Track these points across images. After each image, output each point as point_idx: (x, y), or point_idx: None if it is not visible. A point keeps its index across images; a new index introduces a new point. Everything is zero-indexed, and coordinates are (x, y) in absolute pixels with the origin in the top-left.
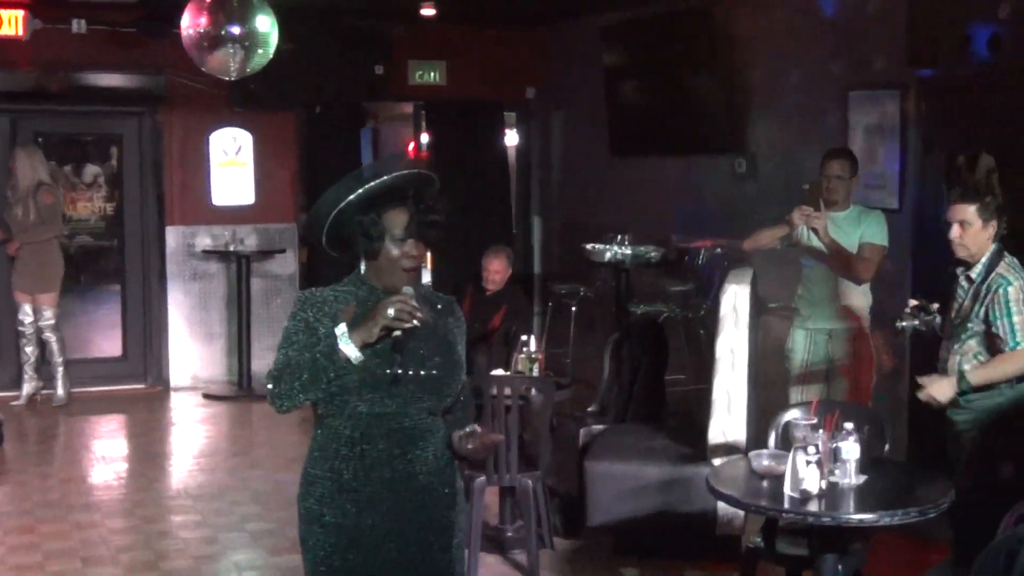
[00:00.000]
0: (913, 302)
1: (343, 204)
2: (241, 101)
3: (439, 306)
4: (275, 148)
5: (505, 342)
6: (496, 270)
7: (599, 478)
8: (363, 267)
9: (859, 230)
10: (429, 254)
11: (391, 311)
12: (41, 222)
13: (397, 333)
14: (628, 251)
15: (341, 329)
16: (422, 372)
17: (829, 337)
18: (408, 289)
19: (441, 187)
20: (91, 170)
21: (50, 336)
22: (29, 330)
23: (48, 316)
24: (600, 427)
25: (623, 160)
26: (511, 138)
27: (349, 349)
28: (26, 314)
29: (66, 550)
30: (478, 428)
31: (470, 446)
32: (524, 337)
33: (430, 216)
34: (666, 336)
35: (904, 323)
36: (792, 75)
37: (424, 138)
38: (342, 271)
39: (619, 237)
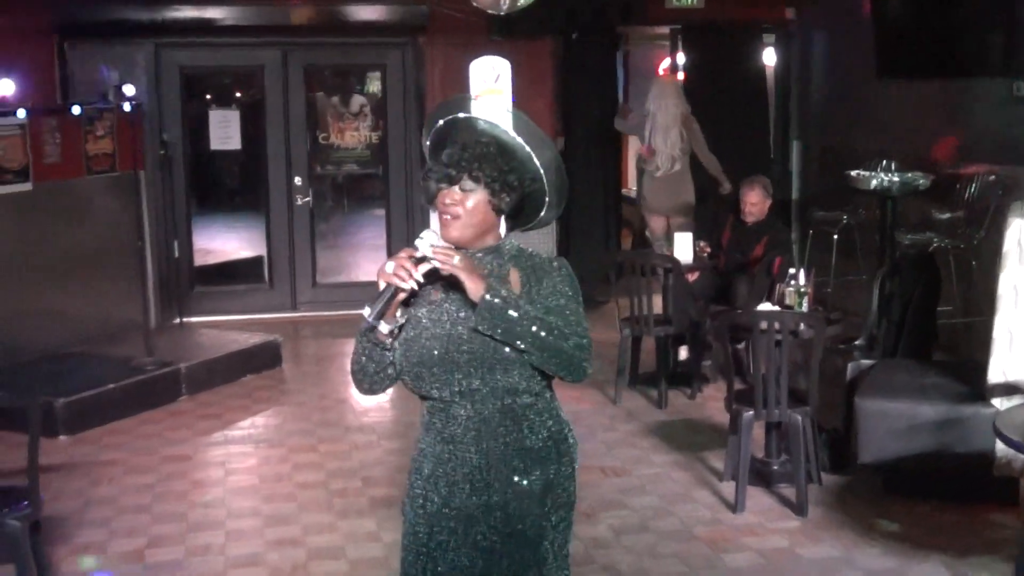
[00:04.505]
0: None
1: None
2: (500, 30)
3: (524, 271)
4: (532, 76)
5: (767, 272)
6: (753, 202)
7: (871, 415)
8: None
9: None
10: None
11: (388, 267)
12: (686, 150)
13: (402, 294)
14: (896, 178)
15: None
16: (464, 348)
17: None
18: (427, 234)
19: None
20: (357, 100)
21: None
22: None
23: None
24: (869, 362)
25: (890, 82)
26: (769, 57)
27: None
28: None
29: (347, 470)
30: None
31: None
32: (792, 270)
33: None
34: (938, 268)
35: None
36: None
37: (680, 60)
38: (595, 212)
39: (885, 163)
